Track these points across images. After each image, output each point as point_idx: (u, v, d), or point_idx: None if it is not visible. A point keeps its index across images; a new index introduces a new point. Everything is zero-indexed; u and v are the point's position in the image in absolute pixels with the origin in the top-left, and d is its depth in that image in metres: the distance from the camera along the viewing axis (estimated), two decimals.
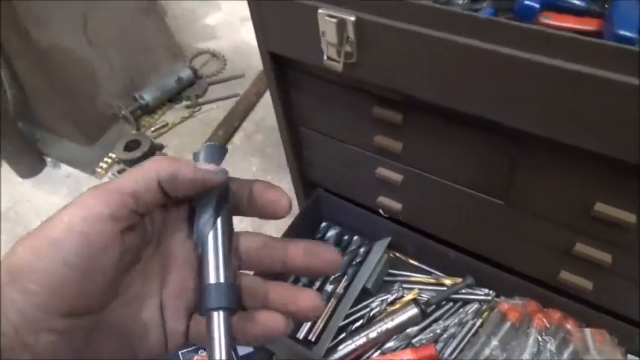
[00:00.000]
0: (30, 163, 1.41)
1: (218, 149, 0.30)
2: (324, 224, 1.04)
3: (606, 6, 0.58)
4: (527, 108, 0.53)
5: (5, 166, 1.44)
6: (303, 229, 1.01)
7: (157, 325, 0.29)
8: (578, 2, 0.59)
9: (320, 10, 0.59)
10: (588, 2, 0.59)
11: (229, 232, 0.30)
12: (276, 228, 1.17)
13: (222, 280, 0.28)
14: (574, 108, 0.50)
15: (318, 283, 0.96)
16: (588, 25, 0.57)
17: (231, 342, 0.27)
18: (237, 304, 0.29)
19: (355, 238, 1.01)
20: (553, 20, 0.58)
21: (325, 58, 0.63)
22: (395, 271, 0.96)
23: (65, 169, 1.43)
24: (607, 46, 0.45)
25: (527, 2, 0.57)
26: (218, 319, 0.27)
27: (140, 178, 0.27)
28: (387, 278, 0.95)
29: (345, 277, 0.95)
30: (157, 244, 0.30)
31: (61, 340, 0.24)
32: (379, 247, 0.96)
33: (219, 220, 0.29)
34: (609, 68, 0.46)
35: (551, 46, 0.47)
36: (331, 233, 1.02)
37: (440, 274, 0.94)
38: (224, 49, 1.68)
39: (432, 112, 0.66)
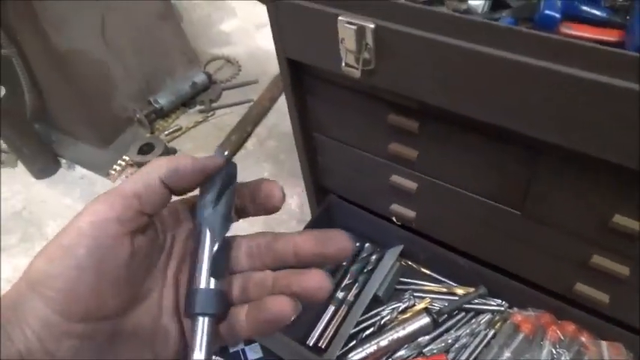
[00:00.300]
0: (45, 164, 1.43)
1: (217, 150, 0.31)
2: None
3: (628, 17, 0.58)
4: (546, 117, 0.53)
5: (20, 166, 1.45)
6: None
7: (175, 329, 0.29)
8: (599, 13, 0.59)
9: (340, 17, 0.59)
10: (610, 13, 0.59)
11: (227, 226, 0.30)
12: None
13: (211, 285, 0.28)
14: (594, 119, 0.50)
15: None
16: (609, 35, 0.57)
17: (212, 347, 0.28)
18: (223, 310, 0.29)
19: (367, 245, 1.01)
20: (574, 30, 0.58)
21: (343, 64, 0.64)
22: (407, 280, 0.96)
23: (79, 170, 1.44)
24: (629, 56, 0.45)
25: (548, 12, 0.57)
26: (202, 324, 0.28)
27: (140, 178, 0.27)
28: (398, 286, 0.95)
29: (357, 284, 0.95)
30: (170, 248, 0.30)
31: (82, 345, 0.24)
32: (391, 255, 0.96)
33: (218, 207, 0.29)
34: (630, 79, 0.45)
35: (573, 56, 0.47)
36: None
37: (452, 283, 0.93)
38: (239, 54, 1.69)
39: (448, 121, 0.66)
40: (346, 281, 0.96)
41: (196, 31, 1.77)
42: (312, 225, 0.98)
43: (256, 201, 0.31)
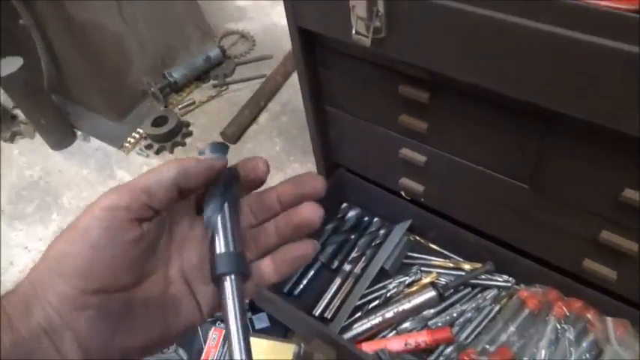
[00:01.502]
0: (62, 135, 1.45)
1: (220, 146, 0.34)
2: (344, 205, 1.04)
3: None
4: (560, 87, 0.52)
5: (38, 137, 1.48)
6: (324, 207, 1.01)
7: (186, 296, 0.32)
8: None
9: None
10: None
11: (236, 214, 0.33)
12: None
13: (231, 249, 0.31)
14: (610, 88, 0.49)
15: (336, 262, 0.96)
16: (627, 3, 0.55)
17: (243, 303, 0.31)
18: (245, 269, 0.32)
19: (375, 220, 1.01)
20: None
21: (354, 32, 0.63)
22: (414, 254, 0.96)
23: (95, 142, 1.47)
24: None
25: None
26: (230, 282, 0.31)
27: (152, 176, 0.30)
28: (405, 260, 0.95)
29: (364, 257, 0.96)
30: (170, 231, 0.33)
31: (98, 315, 0.27)
32: (399, 230, 0.96)
33: (225, 205, 0.32)
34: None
35: (588, 22, 0.46)
36: (351, 214, 1.02)
37: (459, 258, 0.94)
38: (253, 30, 1.69)
39: (458, 91, 0.65)
40: (354, 254, 0.96)
41: (211, 5, 1.77)
42: (322, 197, 0.98)
43: (245, 178, 0.34)
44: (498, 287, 0.87)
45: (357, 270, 0.94)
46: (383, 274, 0.93)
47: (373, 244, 0.97)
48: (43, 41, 1.29)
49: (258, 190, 0.36)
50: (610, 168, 0.59)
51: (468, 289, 0.89)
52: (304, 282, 0.95)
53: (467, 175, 0.75)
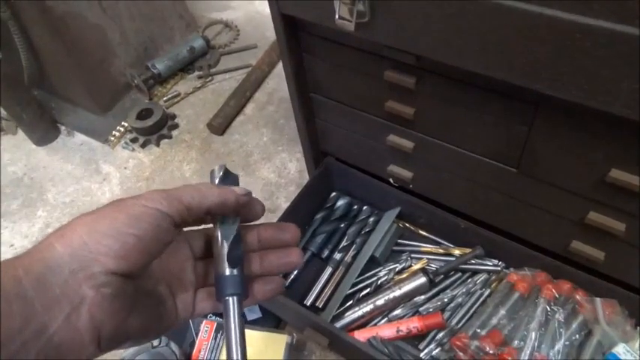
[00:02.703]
0: (45, 130, 1.43)
1: (233, 176, 0.39)
2: (333, 194, 1.04)
3: None
4: (542, 69, 0.51)
5: (21, 133, 1.45)
6: (313, 198, 1.01)
7: (168, 298, 0.36)
8: None
9: None
10: None
11: (241, 240, 0.38)
12: (286, 198, 1.18)
13: (235, 272, 0.36)
14: (592, 67, 0.48)
15: (327, 252, 0.96)
16: None
17: (243, 322, 0.36)
18: (246, 291, 0.37)
19: (365, 208, 1.01)
20: None
21: (337, 17, 0.62)
22: (404, 241, 0.96)
23: (79, 137, 1.44)
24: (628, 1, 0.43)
25: None
26: (233, 303, 0.35)
27: (197, 196, 0.34)
28: (395, 248, 0.95)
29: (354, 246, 0.95)
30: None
31: (114, 295, 0.28)
32: (389, 217, 0.96)
33: (235, 231, 0.36)
34: (632, 23, 0.44)
35: (571, 1, 0.46)
36: (341, 203, 1.01)
37: (449, 244, 0.94)
38: (237, 19, 1.66)
39: (445, 75, 0.65)
40: (344, 243, 0.96)
41: None
42: (310, 186, 0.98)
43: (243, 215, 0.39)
44: (488, 271, 0.87)
45: (348, 259, 0.94)
46: (373, 262, 0.93)
47: (363, 232, 0.97)
48: (22, 35, 1.26)
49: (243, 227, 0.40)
50: (597, 149, 0.59)
51: (458, 275, 0.89)
52: (295, 272, 0.94)
53: (455, 160, 0.75)
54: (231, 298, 0.35)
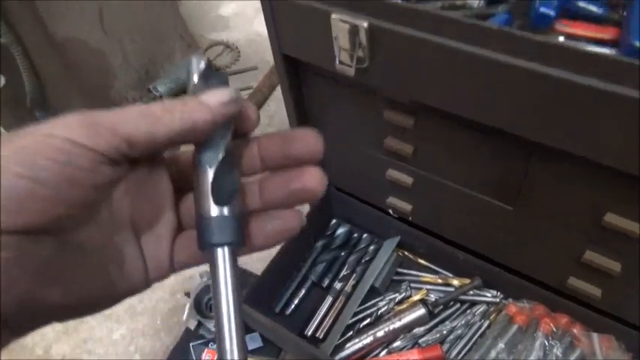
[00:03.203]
0: None
1: (219, 75, 0.27)
2: (334, 221, 1.05)
3: (624, 14, 0.57)
4: (539, 119, 0.53)
5: None
6: (313, 225, 1.02)
7: (132, 250, 0.27)
8: (595, 9, 0.58)
9: (333, 15, 0.59)
10: (606, 9, 0.58)
11: (235, 165, 0.27)
12: None
13: (225, 212, 0.26)
14: (592, 124, 0.49)
15: (327, 280, 0.97)
16: (605, 33, 0.56)
17: (238, 280, 0.26)
18: (242, 238, 0.27)
19: (365, 236, 1.02)
20: (569, 28, 0.57)
21: (337, 62, 0.63)
22: (403, 270, 0.97)
23: None
24: (616, 60, 0.44)
25: (543, 10, 0.56)
26: (223, 255, 0.25)
27: (144, 125, 0.23)
28: (395, 277, 0.96)
29: (354, 275, 0.96)
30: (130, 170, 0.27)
31: (16, 260, 0.21)
32: (388, 246, 0.97)
33: (222, 153, 0.26)
34: (621, 83, 0.45)
35: (568, 60, 0.47)
36: (341, 231, 1.02)
37: (448, 274, 0.94)
38: (238, 40, 1.68)
39: (443, 117, 0.66)
40: (344, 272, 0.97)
41: (194, 15, 1.76)
42: (311, 216, 0.99)
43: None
44: (487, 303, 0.88)
45: (348, 288, 0.95)
46: (373, 292, 0.94)
47: (363, 260, 0.98)
48: (25, 59, 1.28)
49: (237, 140, 0.29)
50: (592, 193, 0.60)
51: (457, 305, 0.90)
52: (295, 301, 0.95)
53: (453, 196, 0.76)
54: (220, 249, 0.26)
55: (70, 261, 0.23)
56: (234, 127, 0.27)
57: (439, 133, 0.69)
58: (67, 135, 0.22)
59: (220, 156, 0.26)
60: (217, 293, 0.25)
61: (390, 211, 0.91)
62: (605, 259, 0.66)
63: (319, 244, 1.01)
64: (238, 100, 0.26)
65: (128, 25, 1.41)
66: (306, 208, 1.04)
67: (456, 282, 0.92)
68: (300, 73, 0.79)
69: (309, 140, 0.28)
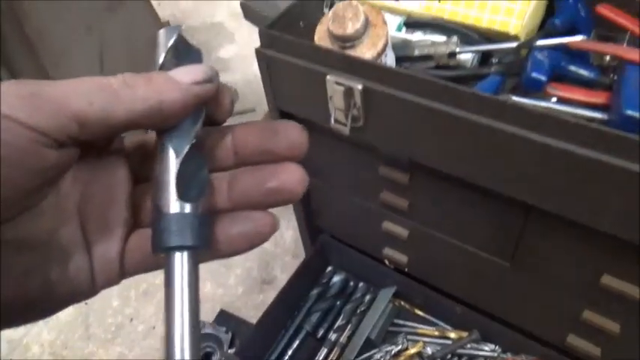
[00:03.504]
0: None
1: (197, 53, 0.23)
2: (329, 269, 1.04)
3: (615, 78, 0.58)
4: (534, 185, 0.53)
5: None
6: (309, 273, 1.01)
7: (79, 248, 0.23)
8: (586, 73, 0.59)
9: (328, 77, 0.60)
10: (596, 73, 0.59)
11: (203, 157, 0.23)
12: (282, 269, 1.17)
13: (188, 210, 0.22)
14: (579, 188, 0.50)
15: (322, 331, 0.95)
16: (596, 97, 0.57)
17: (197, 291, 0.22)
18: (206, 241, 0.22)
19: (361, 284, 1.01)
20: (560, 92, 0.58)
21: (332, 121, 0.64)
22: (400, 321, 0.95)
23: None
24: (609, 133, 0.45)
25: (534, 75, 0.57)
26: (181, 261, 0.21)
27: (99, 103, 0.20)
28: (391, 328, 0.94)
29: (349, 325, 0.94)
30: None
31: None
32: (384, 296, 0.96)
33: (192, 140, 0.22)
34: (613, 154, 0.45)
35: (552, 128, 0.47)
36: (337, 279, 1.01)
37: (446, 326, 0.93)
38: (236, 82, 1.70)
39: (438, 175, 0.66)
40: (339, 322, 0.95)
41: None
42: (306, 264, 0.98)
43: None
44: (485, 357, 0.86)
45: (343, 339, 0.93)
46: (369, 343, 0.92)
47: (359, 310, 0.96)
48: None
49: (210, 128, 0.25)
50: (588, 254, 0.59)
51: (455, 359, 0.88)
52: (289, 352, 0.93)
53: (449, 250, 0.75)
54: (178, 254, 0.21)
55: (4, 255, 0.19)
56: (206, 114, 0.23)
57: (434, 189, 0.69)
58: (7, 111, 0.18)
59: (189, 143, 0.22)
60: (170, 308, 0.21)
61: (386, 262, 0.91)
62: (603, 319, 0.65)
63: (314, 292, 0.99)
64: (215, 79, 0.22)
65: (128, 68, 1.42)
66: (303, 251, 1.03)
67: (453, 335, 0.90)
68: None
69: (292, 134, 0.24)
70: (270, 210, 0.25)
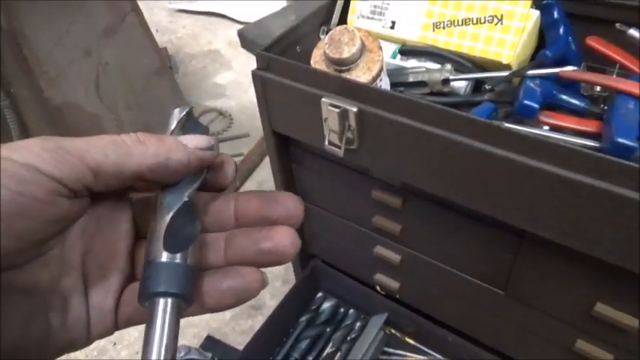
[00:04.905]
0: None
1: (201, 127, 0.27)
2: (319, 295, 1.02)
3: (605, 107, 0.59)
4: (524, 210, 0.53)
5: None
6: (299, 299, 0.99)
7: (78, 298, 0.24)
8: (578, 102, 0.60)
9: (323, 99, 0.60)
10: (587, 103, 0.60)
11: (195, 213, 0.25)
12: (271, 295, 1.16)
13: (177, 260, 0.23)
14: (573, 214, 0.50)
15: (310, 359, 0.93)
16: (588, 126, 0.58)
17: (176, 339, 0.22)
18: (191, 291, 0.23)
19: (351, 311, 0.99)
20: (553, 119, 0.59)
21: (327, 143, 0.64)
22: (390, 350, 0.93)
23: None
24: (607, 160, 0.45)
25: (527, 102, 0.58)
26: (165, 307, 0.22)
27: (113, 155, 0.22)
28: (382, 357, 0.93)
29: (339, 353, 0.92)
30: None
31: None
32: (375, 323, 0.94)
33: (185, 198, 0.24)
34: (609, 180, 0.46)
35: (548, 154, 0.48)
36: (327, 305, 0.99)
37: (437, 355, 0.91)
38: (231, 108, 1.72)
39: (432, 200, 0.66)
40: (328, 349, 0.93)
41: (191, 83, 1.80)
42: (297, 289, 0.97)
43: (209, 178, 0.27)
44: None
45: None
46: None
47: (349, 338, 0.95)
48: (18, 122, 1.28)
49: (212, 194, 0.28)
50: (582, 282, 0.59)
51: None
52: None
53: (442, 277, 0.75)
54: (162, 300, 0.22)
55: (7, 302, 0.20)
56: (211, 181, 0.27)
57: (428, 214, 0.69)
58: (26, 160, 0.19)
59: (182, 201, 0.24)
60: (148, 352, 0.21)
61: (377, 288, 0.89)
62: (596, 350, 0.64)
63: (303, 318, 0.98)
64: (215, 148, 0.26)
65: (124, 93, 1.44)
66: (293, 277, 1.02)
67: None
68: (289, 148, 0.80)
69: (290, 204, 0.26)
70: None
